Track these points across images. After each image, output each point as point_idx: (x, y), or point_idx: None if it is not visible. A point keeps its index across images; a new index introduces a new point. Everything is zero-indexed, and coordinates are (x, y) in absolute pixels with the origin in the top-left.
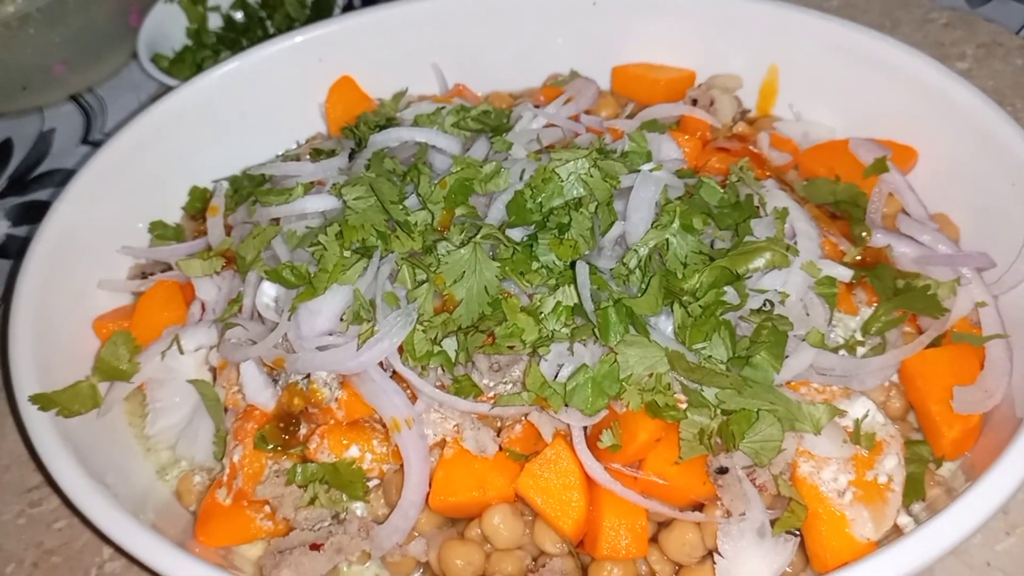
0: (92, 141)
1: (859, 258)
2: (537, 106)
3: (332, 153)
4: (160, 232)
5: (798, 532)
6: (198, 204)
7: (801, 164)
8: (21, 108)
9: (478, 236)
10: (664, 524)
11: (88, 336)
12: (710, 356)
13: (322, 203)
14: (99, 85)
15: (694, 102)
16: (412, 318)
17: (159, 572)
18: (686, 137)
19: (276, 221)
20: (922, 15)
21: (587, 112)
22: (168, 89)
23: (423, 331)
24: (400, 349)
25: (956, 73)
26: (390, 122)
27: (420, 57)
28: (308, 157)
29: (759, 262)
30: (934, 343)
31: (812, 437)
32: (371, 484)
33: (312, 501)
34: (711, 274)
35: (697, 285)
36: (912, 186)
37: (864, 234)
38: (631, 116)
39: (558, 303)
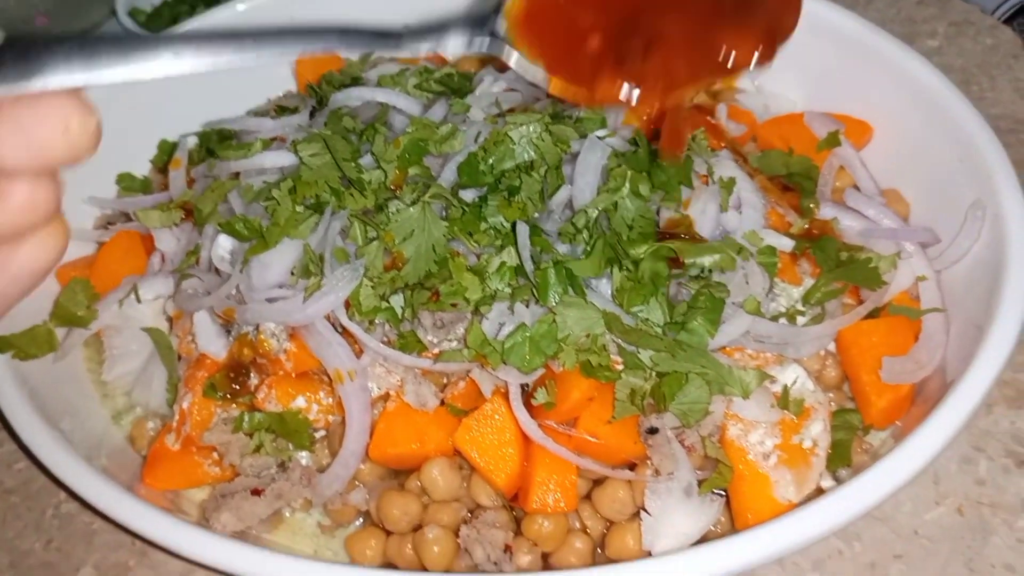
0: None
1: (807, 229)
2: (500, 70)
3: (295, 110)
4: (127, 184)
5: (724, 492)
6: (166, 157)
7: (759, 136)
8: None
9: (427, 195)
10: (598, 482)
11: (51, 283)
12: (647, 319)
13: (280, 159)
14: None
15: None
16: (359, 273)
17: (106, 513)
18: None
19: (236, 176)
20: None
21: None
22: None
23: (372, 287)
24: (348, 304)
25: (922, 50)
26: (355, 82)
27: (394, 17)
28: (273, 113)
29: (706, 260)
30: (873, 315)
31: (741, 401)
32: (317, 435)
33: (258, 449)
34: (657, 253)
35: (641, 256)
36: (864, 161)
37: (812, 206)
38: None
39: (502, 263)
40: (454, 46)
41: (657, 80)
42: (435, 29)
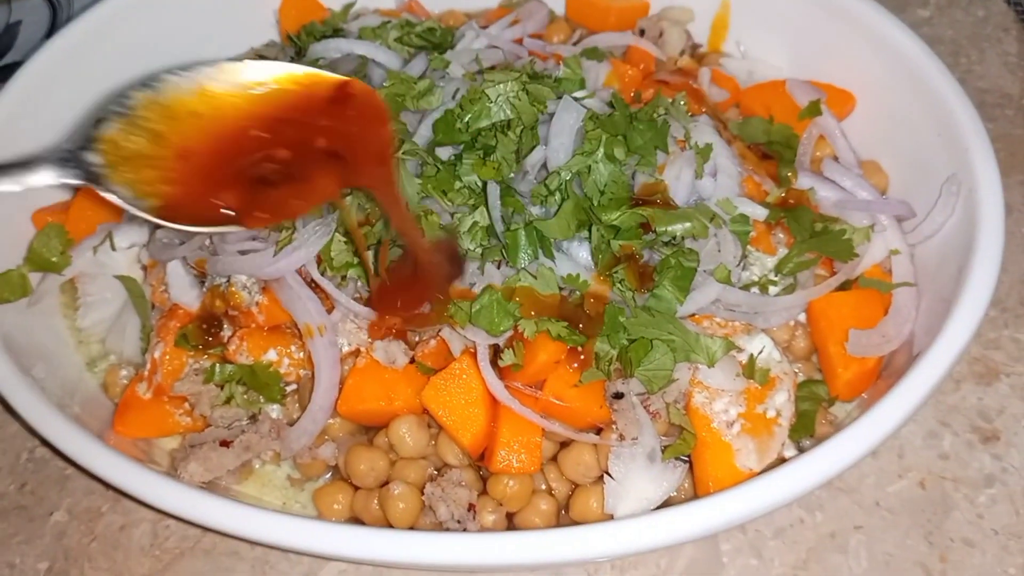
0: None
1: (783, 198)
2: (484, 26)
3: (275, 59)
4: None
5: (687, 459)
6: None
7: (741, 102)
8: None
9: (401, 152)
10: (564, 445)
11: (26, 226)
12: (622, 280)
13: None
14: None
15: (642, 32)
16: (330, 228)
17: (75, 461)
18: (627, 71)
19: None
20: None
21: (536, 36)
22: None
23: (345, 242)
24: (320, 259)
25: (913, 20)
26: (336, 33)
27: None
28: None
29: (678, 227)
30: (844, 287)
31: (707, 369)
32: (288, 388)
33: (228, 400)
34: (631, 219)
35: (615, 221)
36: (844, 131)
37: (790, 175)
38: (578, 43)
39: (474, 223)
40: (41, 181)
41: (274, 209)
42: (21, 165)
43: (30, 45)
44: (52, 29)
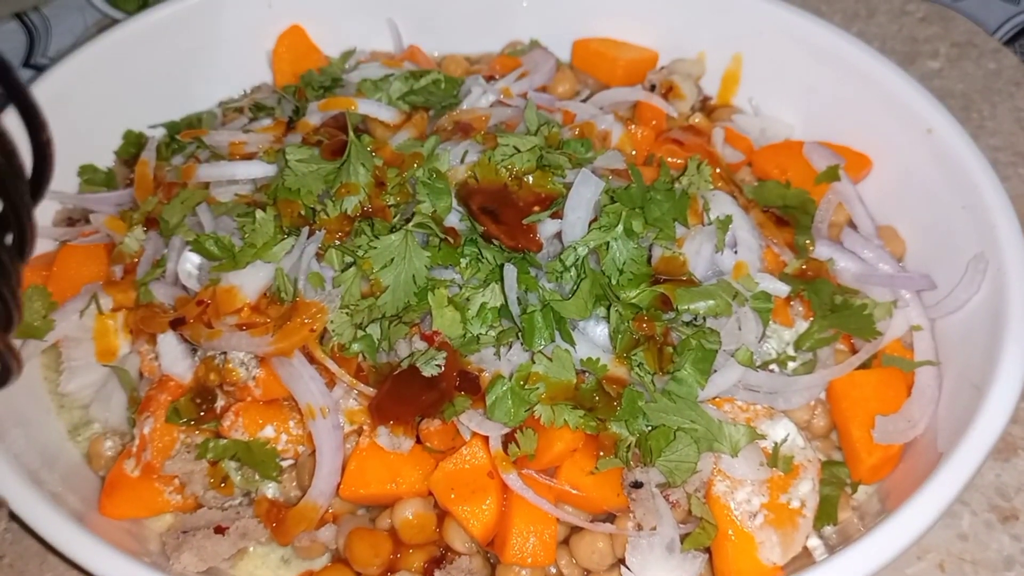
0: (34, 64)
1: (803, 269)
2: (489, 79)
3: (271, 111)
4: (90, 177)
5: (707, 549)
6: (132, 149)
7: (755, 163)
8: None
9: (410, 224)
10: (576, 529)
11: None
12: (640, 363)
13: (252, 169)
14: (45, 4)
15: (652, 87)
16: (335, 305)
17: (57, 549)
18: (639, 131)
19: (206, 185)
20: (899, 6)
21: (543, 88)
22: (112, 22)
23: (348, 315)
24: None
25: (923, 71)
26: (335, 83)
27: (375, 10)
28: (248, 112)
29: (701, 305)
30: (865, 364)
31: (729, 458)
32: (285, 464)
33: (224, 481)
34: (649, 296)
35: (634, 299)
36: (862, 198)
37: (808, 243)
38: (591, 94)
39: (483, 304)
40: None
41: None
42: None
43: None
44: (29, 57)
